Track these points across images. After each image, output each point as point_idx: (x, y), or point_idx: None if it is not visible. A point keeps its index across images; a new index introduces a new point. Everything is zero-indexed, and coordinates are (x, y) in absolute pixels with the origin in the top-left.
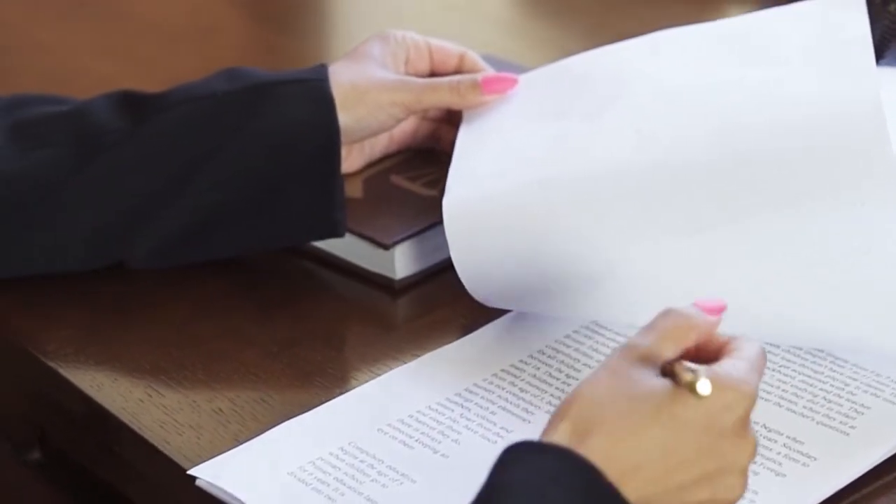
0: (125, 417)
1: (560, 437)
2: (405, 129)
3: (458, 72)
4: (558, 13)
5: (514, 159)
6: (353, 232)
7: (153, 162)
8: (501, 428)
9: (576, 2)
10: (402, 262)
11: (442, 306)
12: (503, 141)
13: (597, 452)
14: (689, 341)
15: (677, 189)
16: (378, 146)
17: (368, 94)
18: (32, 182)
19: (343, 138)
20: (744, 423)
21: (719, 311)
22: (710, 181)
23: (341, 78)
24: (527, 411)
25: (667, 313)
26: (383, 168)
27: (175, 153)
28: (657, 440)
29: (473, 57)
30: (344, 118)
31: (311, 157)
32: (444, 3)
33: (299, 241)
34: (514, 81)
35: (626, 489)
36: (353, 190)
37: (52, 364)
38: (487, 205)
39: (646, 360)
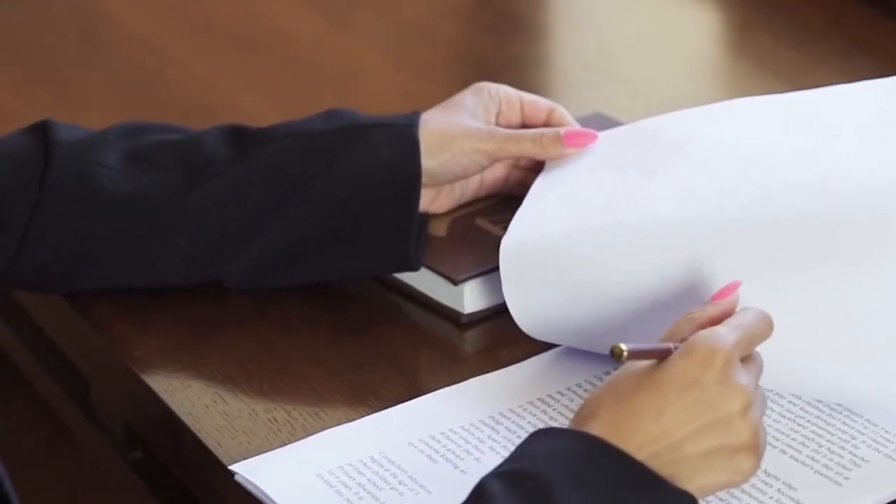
0: (188, 420)
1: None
2: (497, 175)
3: (546, 125)
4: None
5: (570, 207)
6: (428, 266)
7: (249, 192)
8: None
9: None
10: (470, 297)
11: (506, 342)
12: (567, 190)
13: (596, 428)
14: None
15: (716, 243)
16: (469, 190)
17: (455, 142)
18: (141, 202)
19: (427, 180)
20: (725, 374)
21: (732, 290)
22: (748, 238)
23: (431, 124)
24: None
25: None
26: (471, 211)
27: (269, 185)
28: (646, 404)
29: (562, 112)
30: (428, 162)
31: (392, 196)
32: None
33: (378, 273)
34: (595, 137)
35: (633, 452)
36: (439, 229)
37: (135, 369)
38: (540, 247)
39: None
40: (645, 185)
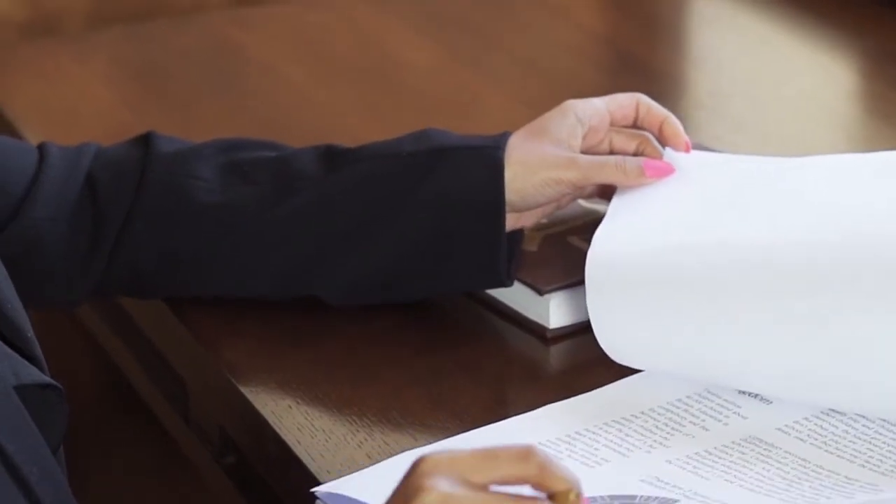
0: (270, 419)
1: None
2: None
3: (637, 120)
4: None
5: (658, 226)
6: (516, 277)
7: (335, 212)
8: (602, 458)
9: None
10: (556, 312)
11: (591, 359)
12: (653, 212)
13: None
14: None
15: (803, 271)
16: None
17: (536, 174)
18: (231, 215)
19: (510, 209)
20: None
21: None
22: (833, 270)
23: (513, 154)
24: (628, 450)
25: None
26: (565, 229)
27: (355, 206)
28: None
29: (647, 102)
30: (510, 196)
31: (478, 221)
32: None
33: (470, 290)
34: (673, 170)
35: None
36: (531, 244)
37: (223, 369)
38: (628, 262)
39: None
40: (733, 214)
